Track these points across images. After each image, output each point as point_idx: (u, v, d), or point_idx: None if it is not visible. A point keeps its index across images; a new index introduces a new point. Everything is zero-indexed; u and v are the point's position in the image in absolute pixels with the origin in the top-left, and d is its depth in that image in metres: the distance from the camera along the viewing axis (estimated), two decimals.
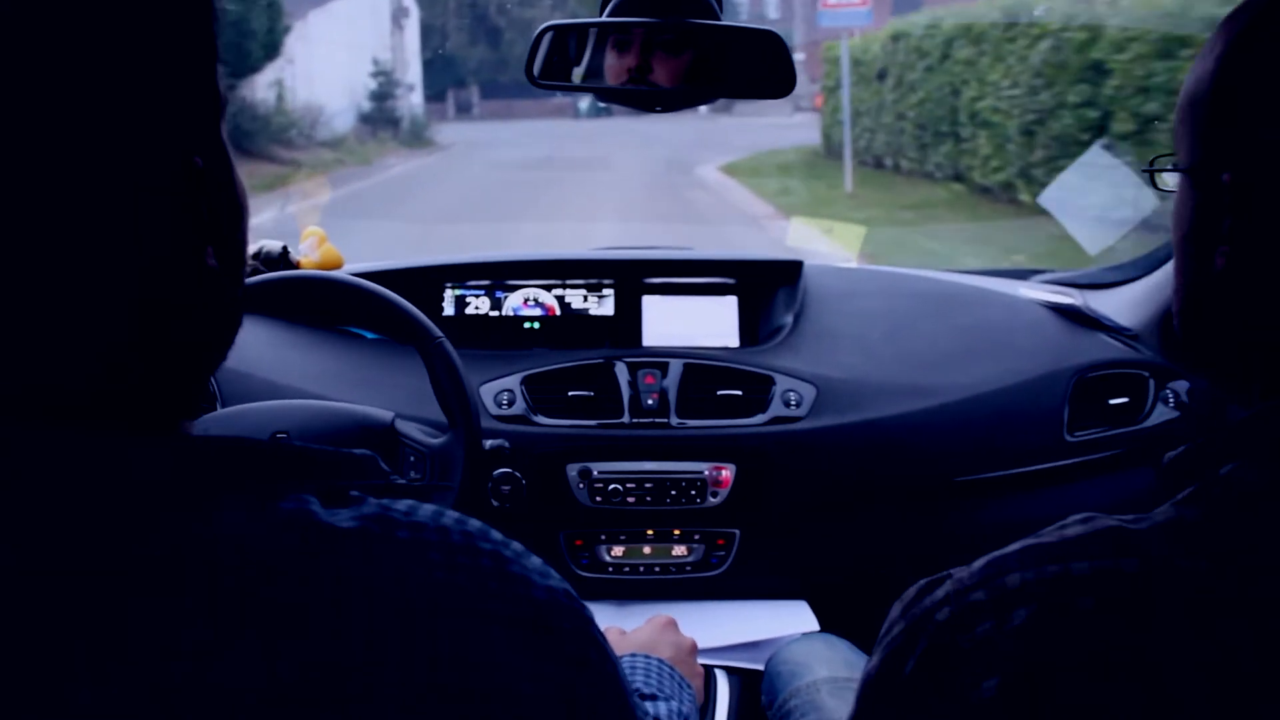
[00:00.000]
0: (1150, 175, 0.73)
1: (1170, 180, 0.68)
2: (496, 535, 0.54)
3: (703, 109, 20.72)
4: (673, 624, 1.23)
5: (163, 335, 0.50)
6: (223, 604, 0.45)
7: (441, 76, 26.91)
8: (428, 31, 25.11)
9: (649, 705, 0.97)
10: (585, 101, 20.94)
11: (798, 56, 1.36)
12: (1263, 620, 0.49)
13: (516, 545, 0.55)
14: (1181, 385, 1.66)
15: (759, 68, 1.28)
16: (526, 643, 0.50)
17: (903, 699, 0.56)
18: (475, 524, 0.53)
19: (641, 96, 1.33)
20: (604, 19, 1.28)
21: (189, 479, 0.48)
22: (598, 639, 0.56)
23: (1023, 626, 0.52)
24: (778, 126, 18.79)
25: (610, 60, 1.33)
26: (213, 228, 0.52)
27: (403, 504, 0.52)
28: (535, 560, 0.55)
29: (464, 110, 28.59)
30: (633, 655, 1.09)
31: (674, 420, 1.62)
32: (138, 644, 0.44)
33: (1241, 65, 0.59)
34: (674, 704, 1.00)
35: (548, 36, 1.30)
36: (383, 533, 0.49)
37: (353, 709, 0.45)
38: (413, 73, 23.27)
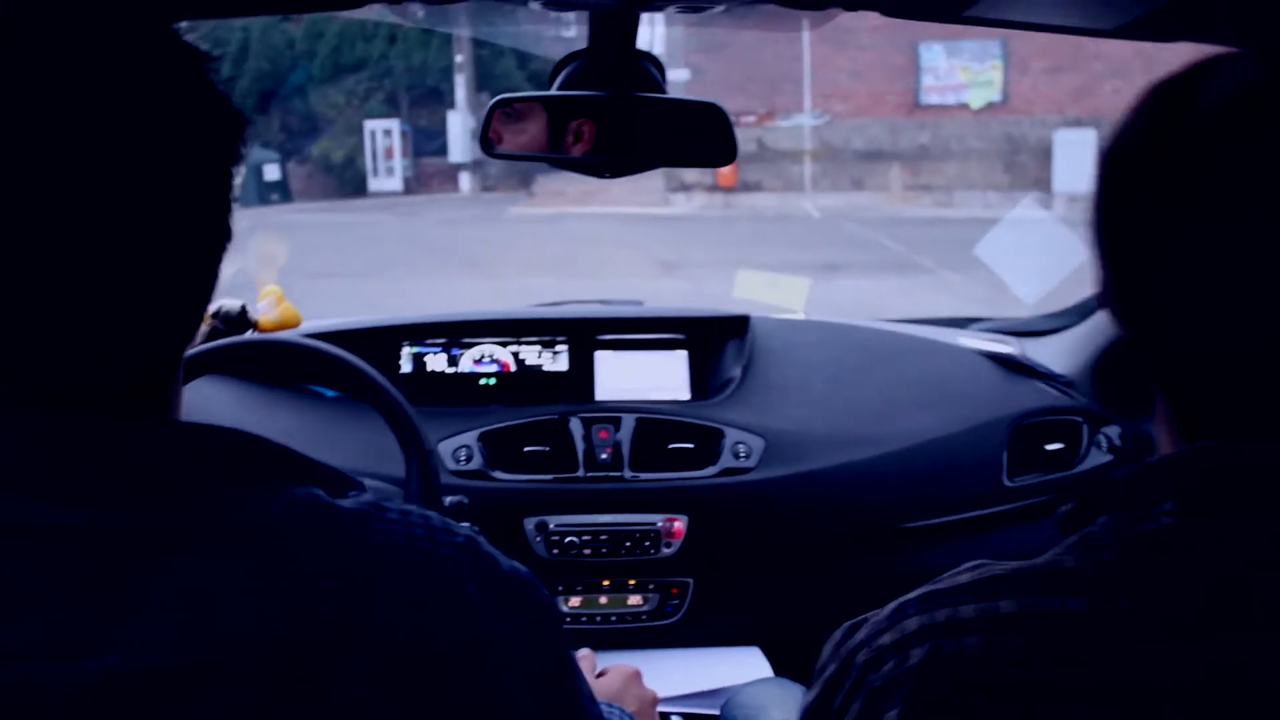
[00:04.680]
0: None
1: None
2: (469, 528, 0.64)
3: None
4: (638, 676, 1.27)
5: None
6: (254, 564, 0.54)
7: None
8: None
9: None
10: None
11: None
12: (1136, 652, 0.55)
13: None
14: (1114, 430, 1.73)
15: (702, 138, 1.33)
16: (498, 598, 0.61)
17: None
18: (452, 520, 0.64)
19: (591, 164, 1.38)
20: (554, 93, 1.34)
21: (218, 461, 0.57)
22: (558, 612, 0.67)
23: (918, 665, 0.59)
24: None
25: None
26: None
27: (392, 501, 0.62)
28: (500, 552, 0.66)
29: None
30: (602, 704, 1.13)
31: (627, 473, 1.67)
32: (174, 595, 0.52)
33: (1125, 171, 0.64)
34: None
35: (497, 109, 1.35)
36: (378, 514, 0.59)
37: (354, 651, 0.53)
38: None
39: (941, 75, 19.74)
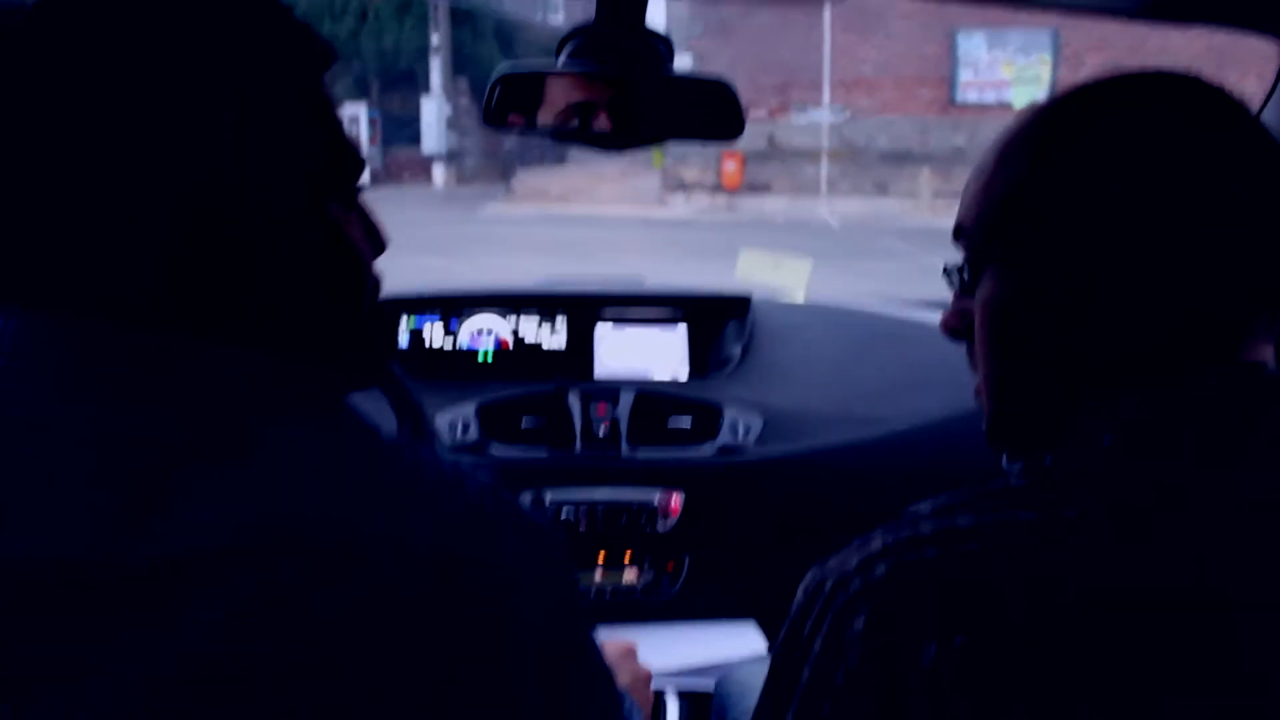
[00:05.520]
0: (948, 275, 0.90)
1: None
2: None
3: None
4: (633, 653, 1.41)
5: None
6: (296, 468, 0.66)
7: None
8: None
9: None
10: None
11: None
12: (1082, 554, 0.69)
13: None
14: None
15: (709, 113, 1.49)
16: (520, 534, 0.72)
17: (801, 650, 0.76)
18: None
19: (596, 138, 1.54)
20: (559, 68, 1.49)
21: (277, 381, 0.69)
22: (572, 558, 0.78)
23: (882, 577, 0.72)
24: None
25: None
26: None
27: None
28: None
29: None
30: None
31: (625, 449, 1.91)
32: (220, 490, 0.63)
33: (1053, 166, 0.77)
34: None
35: (502, 83, 1.51)
36: (412, 446, 0.72)
37: (384, 546, 0.65)
38: None
39: (981, 69, 19.32)
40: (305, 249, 0.72)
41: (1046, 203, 0.77)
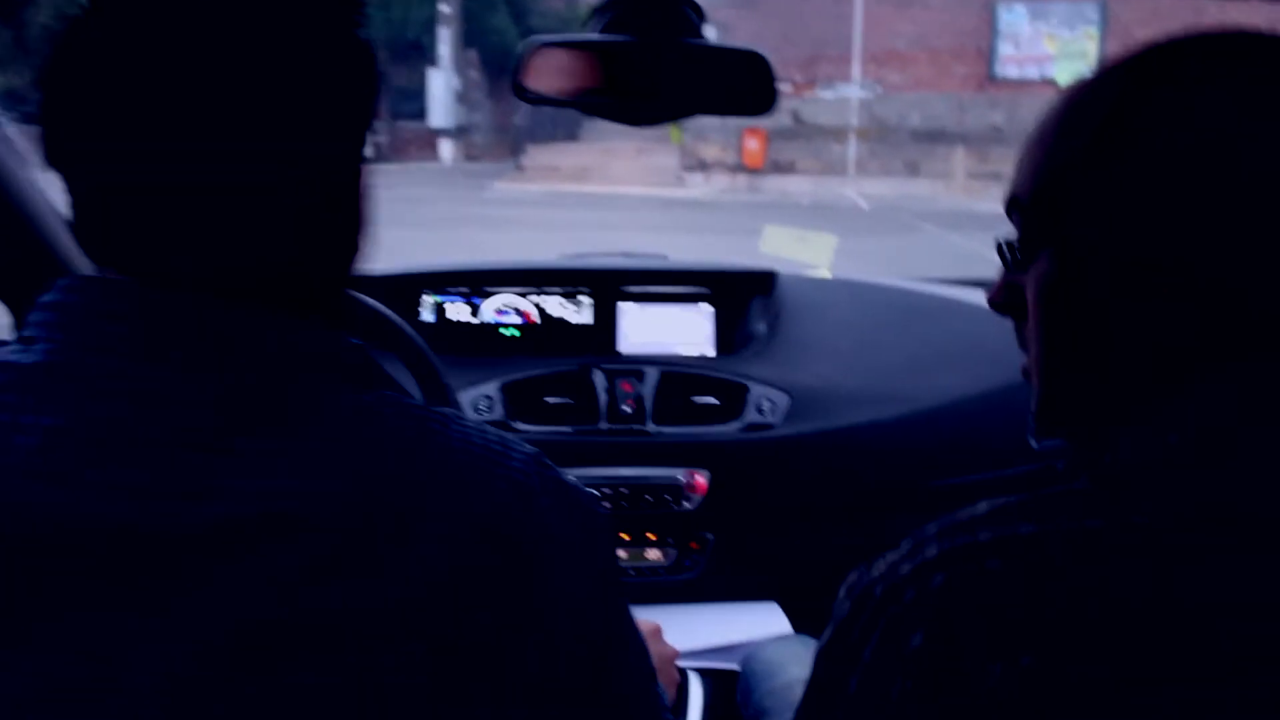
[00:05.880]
0: (1001, 250, 0.89)
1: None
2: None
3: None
4: (658, 633, 1.47)
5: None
6: (345, 441, 0.71)
7: None
8: None
9: None
10: None
11: None
12: (1153, 564, 0.67)
13: None
14: None
15: (741, 86, 1.55)
16: (562, 504, 0.77)
17: (848, 659, 0.76)
18: None
19: (625, 111, 1.60)
20: (590, 37, 1.54)
21: (329, 359, 0.75)
22: (613, 529, 0.88)
23: (939, 589, 0.71)
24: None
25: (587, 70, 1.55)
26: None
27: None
28: None
29: None
30: None
31: (650, 427, 2.00)
32: (273, 458, 0.68)
33: (1114, 144, 0.75)
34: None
35: (535, 52, 1.54)
36: (457, 419, 0.77)
37: (429, 518, 0.70)
38: None
39: (1023, 43, 19.36)
40: (355, 219, 0.81)
41: (1110, 176, 0.75)
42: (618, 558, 0.85)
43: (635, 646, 0.85)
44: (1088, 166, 0.77)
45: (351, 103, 0.77)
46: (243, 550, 0.65)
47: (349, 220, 0.80)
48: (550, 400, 2.03)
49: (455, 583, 0.69)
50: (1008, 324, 2.08)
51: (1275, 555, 0.66)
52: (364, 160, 0.81)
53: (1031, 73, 19.22)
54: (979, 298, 2.26)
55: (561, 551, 0.75)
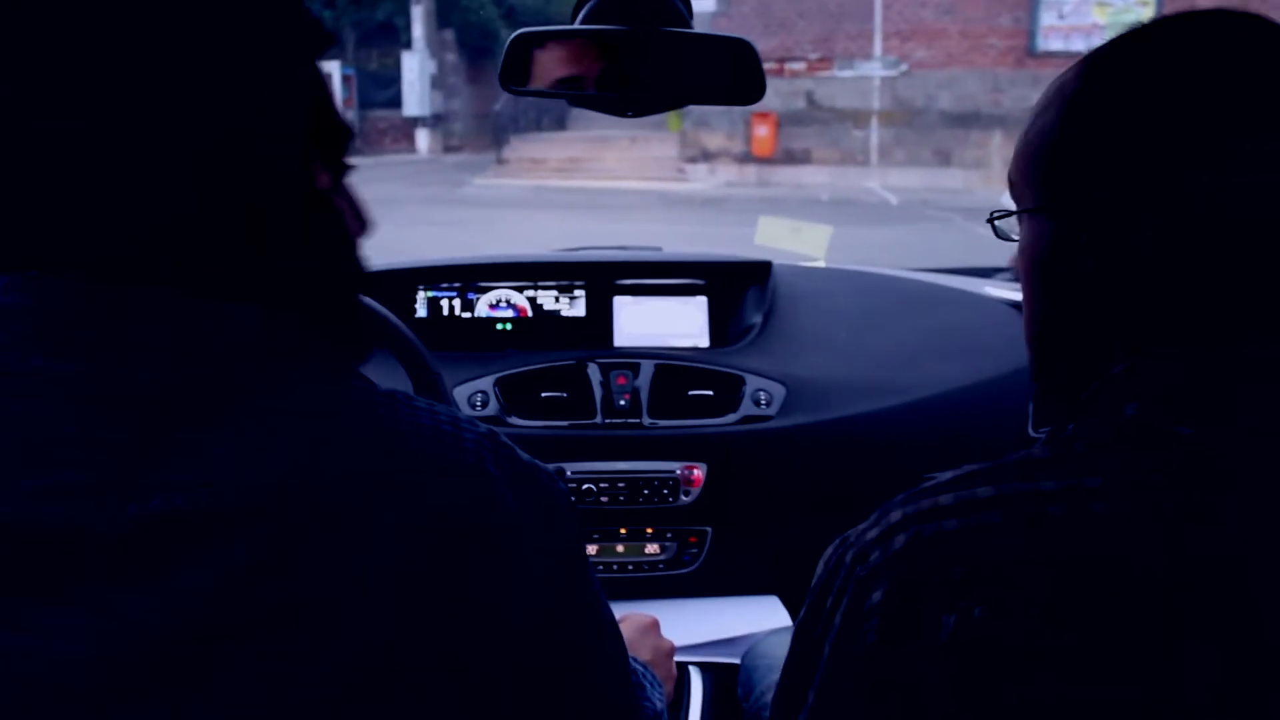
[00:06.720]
0: (993, 225, 1.05)
1: (1009, 224, 1.01)
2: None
3: None
4: (655, 626, 1.60)
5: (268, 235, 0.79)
6: (288, 426, 0.74)
7: None
8: None
9: None
10: None
11: None
12: (1105, 525, 0.75)
13: None
14: None
15: (729, 75, 1.63)
16: (517, 483, 0.81)
17: (823, 625, 0.85)
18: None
19: (613, 102, 1.69)
20: (575, 27, 1.60)
21: (271, 338, 0.78)
22: (573, 505, 0.88)
23: (901, 549, 0.80)
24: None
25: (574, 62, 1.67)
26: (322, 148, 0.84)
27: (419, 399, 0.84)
28: None
29: None
30: None
31: (646, 420, 2.21)
32: (210, 449, 0.71)
33: (1083, 118, 0.87)
34: (645, 705, 1.22)
35: (518, 44, 1.62)
36: (406, 401, 0.81)
37: (377, 506, 0.73)
38: None
39: (1068, 13, 19.06)
40: (294, 209, 0.81)
41: (1073, 153, 0.88)
42: (581, 535, 0.88)
43: (603, 625, 0.91)
44: (1056, 142, 0.90)
45: (240, 76, 0.76)
46: (179, 548, 0.67)
47: (285, 203, 0.80)
48: (546, 395, 2.22)
49: (408, 572, 0.72)
50: (1003, 313, 2.31)
51: (1217, 519, 0.74)
52: (300, 137, 0.81)
53: (1078, 45, 18.40)
54: (975, 286, 2.49)
55: (519, 534, 0.79)
